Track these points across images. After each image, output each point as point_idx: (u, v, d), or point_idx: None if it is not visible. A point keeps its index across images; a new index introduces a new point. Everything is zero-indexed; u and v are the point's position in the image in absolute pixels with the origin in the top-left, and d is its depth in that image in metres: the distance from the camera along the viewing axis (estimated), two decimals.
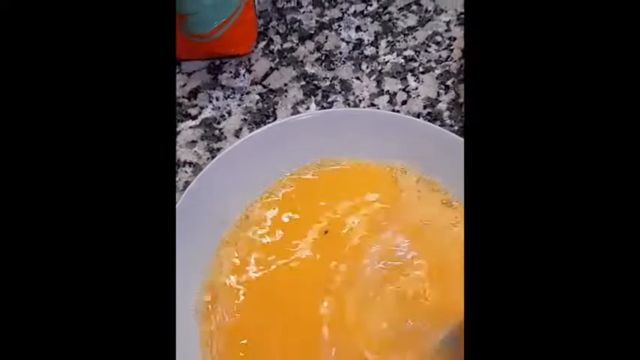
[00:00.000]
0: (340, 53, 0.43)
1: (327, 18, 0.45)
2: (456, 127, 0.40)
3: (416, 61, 0.43)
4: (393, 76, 0.42)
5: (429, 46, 0.44)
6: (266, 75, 0.42)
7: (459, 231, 0.33)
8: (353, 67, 0.43)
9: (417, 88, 0.42)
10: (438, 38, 0.44)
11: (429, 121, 0.40)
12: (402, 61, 0.43)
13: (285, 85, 0.42)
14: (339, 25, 0.44)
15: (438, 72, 0.42)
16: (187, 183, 0.37)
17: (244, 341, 0.31)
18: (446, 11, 0.45)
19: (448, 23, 0.45)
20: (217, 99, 0.41)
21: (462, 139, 0.35)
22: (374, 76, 0.42)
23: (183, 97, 0.41)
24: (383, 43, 0.44)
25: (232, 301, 0.32)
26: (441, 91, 0.42)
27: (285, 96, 0.41)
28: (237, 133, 0.40)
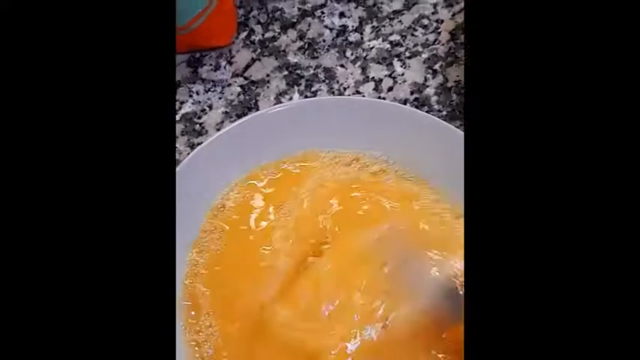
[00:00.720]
0: (324, 41, 0.42)
1: (309, 5, 0.43)
2: (444, 113, 0.39)
3: (402, 45, 0.41)
4: (379, 62, 0.41)
5: (416, 30, 0.42)
6: (247, 66, 0.41)
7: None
8: (337, 54, 0.41)
9: (403, 74, 0.40)
10: (425, 21, 0.42)
11: (417, 107, 0.39)
12: (388, 46, 0.41)
13: (268, 75, 0.41)
14: (322, 12, 0.43)
15: (425, 56, 0.41)
16: None
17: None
18: None
19: (435, 5, 0.43)
20: (198, 93, 0.40)
21: (450, 126, 0.34)
22: (359, 63, 0.41)
23: None
24: (368, 28, 0.42)
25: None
26: (428, 75, 0.40)
27: (268, 87, 0.40)
28: (219, 127, 0.39)
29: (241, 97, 0.40)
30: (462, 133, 0.33)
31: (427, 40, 0.42)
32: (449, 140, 0.33)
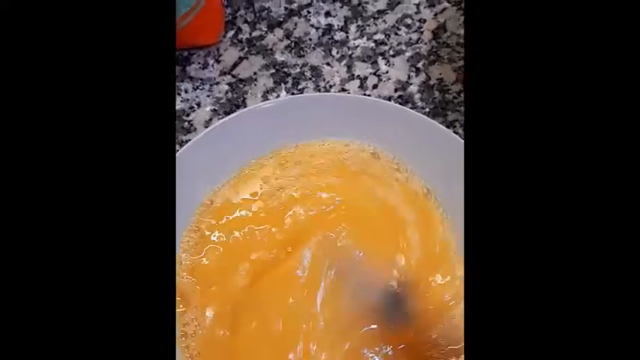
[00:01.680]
0: (310, 40, 0.43)
1: (295, 5, 0.44)
2: (427, 110, 0.40)
3: (386, 44, 0.43)
4: (364, 61, 0.42)
5: (399, 29, 0.43)
6: (235, 64, 0.42)
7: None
8: (323, 53, 0.42)
9: (387, 72, 0.41)
10: (408, 21, 0.43)
11: (400, 104, 0.40)
12: (373, 45, 0.43)
13: (255, 73, 0.41)
14: (308, 12, 0.44)
15: (408, 54, 0.42)
16: None
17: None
18: None
19: (418, 5, 0.44)
20: (186, 91, 0.41)
21: (432, 121, 0.35)
22: (344, 61, 0.42)
23: None
24: (353, 27, 0.43)
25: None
26: (411, 73, 0.41)
27: (255, 85, 0.41)
28: (207, 124, 0.40)
29: (229, 94, 0.41)
30: (445, 128, 0.34)
31: (410, 39, 0.43)
32: (432, 135, 0.35)
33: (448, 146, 0.34)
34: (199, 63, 0.42)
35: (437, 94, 0.40)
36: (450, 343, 0.30)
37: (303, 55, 0.42)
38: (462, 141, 0.33)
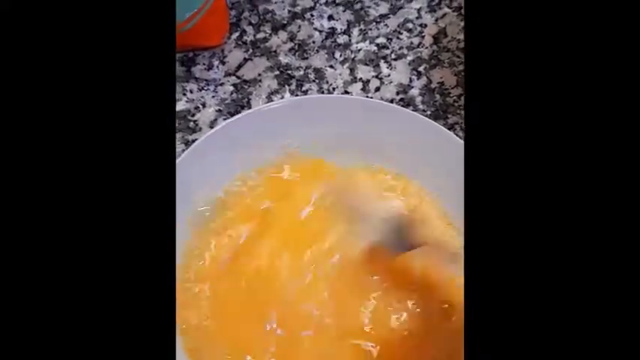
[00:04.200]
0: (313, 42, 0.43)
1: (299, 8, 0.45)
2: (429, 112, 0.41)
3: (388, 48, 0.43)
4: (366, 64, 0.43)
5: (401, 34, 0.44)
6: (239, 66, 0.42)
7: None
8: (326, 55, 0.43)
9: (389, 75, 0.42)
10: (410, 25, 0.44)
11: (402, 106, 0.41)
12: (375, 48, 0.43)
13: (259, 75, 0.42)
14: (312, 15, 0.45)
15: (410, 58, 0.43)
16: None
17: None
18: None
19: (419, 10, 0.45)
20: (191, 91, 0.41)
21: (434, 123, 0.36)
22: (347, 64, 0.43)
23: None
24: (355, 31, 0.44)
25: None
26: (413, 77, 0.42)
27: (260, 86, 0.42)
28: (212, 124, 0.40)
29: (234, 95, 0.41)
30: (447, 130, 0.35)
31: (412, 43, 0.44)
32: (434, 137, 0.35)
33: (449, 148, 0.35)
34: (204, 64, 0.42)
35: (438, 97, 0.41)
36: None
37: (307, 58, 0.43)
38: (462, 142, 0.34)
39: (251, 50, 0.43)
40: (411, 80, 0.42)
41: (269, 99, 0.41)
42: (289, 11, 0.45)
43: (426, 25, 0.44)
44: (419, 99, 0.41)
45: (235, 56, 0.43)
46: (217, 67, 0.42)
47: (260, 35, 0.44)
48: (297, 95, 0.41)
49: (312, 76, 0.42)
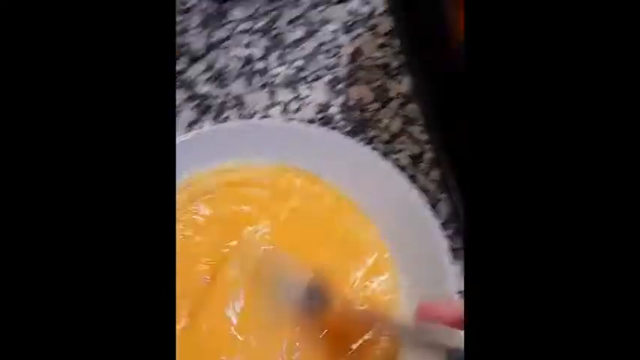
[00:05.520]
0: (231, 71, 0.44)
1: (215, 38, 0.45)
2: (349, 128, 0.41)
3: (306, 70, 0.44)
4: (285, 87, 0.43)
5: (318, 55, 0.45)
6: None
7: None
8: (245, 82, 0.43)
9: (308, 96, 0.43)
10: (326, 47, 0.45)
11: (323, 125, 0.41)
12: (293, 71, 0.44)
13: (178, 107, 0.42)
14: (229, 44, 0.45)
15: (327, 78, 0.44)
16: None
17: None
18: (332, 21, 0.47)
19: (335, 32, 0.46)
20: None
21: (352, 140, 0.37)
22: (266, 89, 0.43)
23: None
24: (273, 56, 0.45)
25: None
26: (331, 95, 0.43)
27: (178, 118, 0.41)
28: None
29: None
30: (365, 146, 0.36)
31: (329, 63, 0.44)
32: (353, 153, 0.36)
33: (366, 160, 0.35)
34: None
35: (356, 113, 0.42)
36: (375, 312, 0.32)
37: (226, 86, 0.43)
38: (378, 155, 0.36)
39: None
40: (329, 99, 0.43)
41: (189, 129, 0.41)
42: (205, 43, 0.45)
43: (341, 46, 0.45)
44: (338, 116, 0.42)
45: None
46: None
47: (178, 67, 0.44)
48: (217, 123, 0.41)
49: (231, 103, 0.42)
